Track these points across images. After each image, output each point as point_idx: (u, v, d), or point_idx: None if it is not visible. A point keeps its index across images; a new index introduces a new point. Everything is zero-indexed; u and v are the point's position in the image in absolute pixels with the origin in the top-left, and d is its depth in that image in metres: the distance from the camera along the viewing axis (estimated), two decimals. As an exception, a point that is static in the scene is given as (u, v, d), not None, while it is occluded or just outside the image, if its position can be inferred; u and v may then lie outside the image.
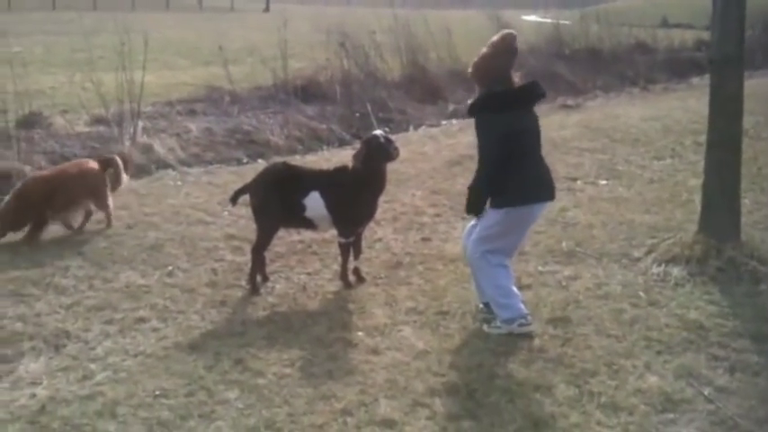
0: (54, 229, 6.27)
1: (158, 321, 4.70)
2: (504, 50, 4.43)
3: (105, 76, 9.56)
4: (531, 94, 4.48)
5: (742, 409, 3.74)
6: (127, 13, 22.51)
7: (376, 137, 5.08)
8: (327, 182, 5.17)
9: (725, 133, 5.59)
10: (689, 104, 12.61)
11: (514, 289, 4.60)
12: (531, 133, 4.47)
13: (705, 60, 15.31)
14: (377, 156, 5.03)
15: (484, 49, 4.47)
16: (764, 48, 19.05)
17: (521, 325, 4.51)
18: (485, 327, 4.62)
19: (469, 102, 4.59)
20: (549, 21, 16.96)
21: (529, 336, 4.49)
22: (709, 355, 4.26)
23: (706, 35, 16.89)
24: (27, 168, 7.65)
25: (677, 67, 17.65)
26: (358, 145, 5.34)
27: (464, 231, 4.88)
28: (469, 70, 4.56)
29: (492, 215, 4.47)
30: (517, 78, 4.47)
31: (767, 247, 5.57)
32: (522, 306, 4.54)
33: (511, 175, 4.35)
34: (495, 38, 4.48)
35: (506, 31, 4.55)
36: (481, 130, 4.43)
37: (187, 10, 40.52)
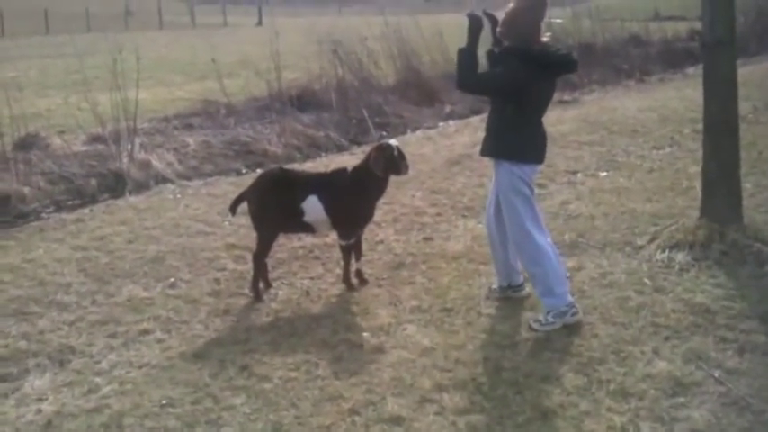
0: (53, 247, 6.26)
1: (162, 332, 4.67)
2: (540, 2, 4.29)
3: (101, 95, 9.56)
4: (569, 64, 4.37)
5: (753, 389, 3.71)
6: (120, 34, 22.55)
7: (391, 147, 5.02)
8: (325, 185, 5.13)
9: (720, 116, 5.57)
10: (685, 94, 12.59)
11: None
12: (548, 99, 4.42)
13: (699, 49, 15.36)
14: (387, 167, 4.98)
15: (512, 4, 4.28)
16: (758, 35, 19.06)
17: (573, 314, 4.44)
18: (535, 326, 4.44)
19: (500, 47, 4.38)
20: (541, 19, 17.13)
21: (579, 324, 4.43)
22: (717, 337, 4.23)
23: (699, 25, 16.85)
24: (26, 189, 7.65)
25: (672, 58, 17.64)
26: (357, 150, 5.28)
27: (486, 215, 4.83)
28: (499, 29, 4.35)
29: (513, 173, 4.36)
30: (546, 38, 4.36)
31: (770, 229, 5.54)
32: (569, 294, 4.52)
33: (527, 131, 4.32)
34: None
35: None
36: (504, 68, 4.28)
37: (180, 28, 40.63)
